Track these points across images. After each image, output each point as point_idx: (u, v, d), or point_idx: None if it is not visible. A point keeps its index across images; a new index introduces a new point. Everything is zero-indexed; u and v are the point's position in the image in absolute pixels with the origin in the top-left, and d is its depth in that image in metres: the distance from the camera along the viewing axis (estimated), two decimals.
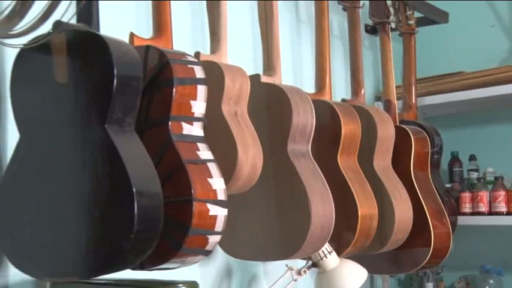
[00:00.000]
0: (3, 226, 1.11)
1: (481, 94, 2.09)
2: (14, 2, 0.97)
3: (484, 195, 2.11)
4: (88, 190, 1.04)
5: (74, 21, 1.07)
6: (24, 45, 1.05)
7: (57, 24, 1.03)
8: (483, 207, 2.10)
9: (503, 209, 2.07)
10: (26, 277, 1.13)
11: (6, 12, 0.98)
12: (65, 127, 1.07)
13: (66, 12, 0.98)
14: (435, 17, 2.26)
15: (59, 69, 1.07)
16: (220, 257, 1.62)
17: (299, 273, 1.55)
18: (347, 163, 1.61)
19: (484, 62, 2.26)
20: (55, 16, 0.99)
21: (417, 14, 2.18)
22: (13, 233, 1.10)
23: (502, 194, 2.08)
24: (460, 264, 2.24)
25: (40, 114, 1.10)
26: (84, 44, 1.06)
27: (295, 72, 1.97)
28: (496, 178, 2.14)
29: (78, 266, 1.05)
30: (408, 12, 2.13)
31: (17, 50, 1.09)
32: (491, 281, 2.21)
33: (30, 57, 1.09)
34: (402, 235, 1.72)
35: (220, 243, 1.29)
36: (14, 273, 1.14)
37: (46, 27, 1.01)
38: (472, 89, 2.11)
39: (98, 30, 1.11)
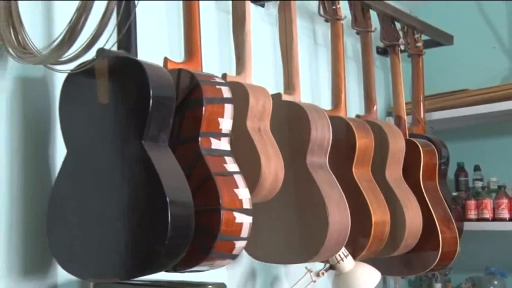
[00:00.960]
0: (53, 232, 1.12)
1: (484, 110, 2.07)
2: (63, 33, 0.98)
3: (488, 202, 2.08)
4: (127, 200, 1.04)
5: (115, 48, 1.08)
6: (72, 70, 1.07)
7: (100, 51, 1.05)
8: (487, 214, 2.08)
9: (506, 216, 2.05)
10: (72, 277, 1.14)
11: (57, 42, 1.00)
12: (106, 143, 1.08)
13: (108, 41, 1.00)
14: (441, 40, 2.24)
15: (102, 91, 1.08)
16: (245, 260, 1.61)
17: (317, 275, 1.54)
18: (361, 174, 1.60)
19: (487, 80, 2.24)
20: (98, 44, 1.01)
21: (424, 37, 2.17)
22: (61, 238, 1.11)
23: (505, 202, 2.06)
24: (466, 266, 2.20)
25: (84, 131, 1.11)
26: (124, 69, 1.07)
27: (313, 90, 1.96)
28: (499, 187, 2.11)
29: (119, 268, 1.05)
30: (416, 36, 2.12)
31: (65, 75, 1.11)
32: (496, 282, 2.18)
33: (77, 81, 1.10)
34: (413, 240, 1.70)
35: (246, 248, 1.28)
36: (62, 274, 1.14)
37: (90, 54, 1.03)
38: (476, 105, 2.10)
39: (136, 55, 1.12)
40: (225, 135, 1.18)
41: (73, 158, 1.11)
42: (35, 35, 1.13)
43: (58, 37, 1.00)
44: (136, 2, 1.08)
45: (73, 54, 1.00)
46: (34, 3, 1.18)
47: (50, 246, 1.12)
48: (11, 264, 1.12)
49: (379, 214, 1.57)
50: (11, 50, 1.09)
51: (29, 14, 1.14)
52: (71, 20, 0.98)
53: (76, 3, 0.98)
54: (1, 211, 1.12)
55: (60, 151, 1.17)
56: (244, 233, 1.13)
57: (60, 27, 1.10)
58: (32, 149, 1.17)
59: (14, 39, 1.08)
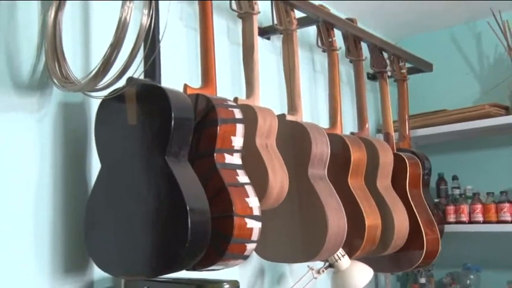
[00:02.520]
0: (89, 236, 1.10)
1: (460, 127, 2.07)
2: (99, 65, 0.99)
3: (465, 207, 2.08)
4: (152, 208, 1.03)
5: (142, 77, 1.08)
6: (105, 96, 1.07)
7: (130, 79, 1.05)
8: (464, 218, 2.07)
9: (480, 219, 2.04)
10: (106, 275, 1.13)
11: (93, 73, 1.00)
12: (135, 158, 1.07)
13: (136, 71, 1.00)
14: (422, 67, 2.24)
15: (130, 113, 1.07)
16: (255, 260, 1.59)
17: (318, 272, 1.51)
18: (356, 183, 1.58)
19: (462, 101, 2.24)
20: (128, 73, 1.00)
21: (408, 65, 2.16)
22: (96, 240, 1.10)
23: (479, 207, 2.05)
24: (446, 263, 2.17)
25: (116, 148, 1.11)
26: (150, 94, 1.07)
27: (313, 111, 1.95)
28: (474, 194, 2.10)
29: (145, 267, 1.04)
30: (401, 63, 2.12)
31: (100, 100, 1.11)
32: (472, 276, 2.16)
33: (109, 105, 1.10)
34: (401, 241, 1.67)
35: (256, 249, 1.26)
36: (97, 272, 1.14)
37: (121, 82, 1.03)
38: (453, 123, 2.09)
39: (160, 83, 1.12)
40: (237, 151, 1.16)
41: (106, 171, 1.10)
42: (75, 67, 1.14)
43: (94, 69, 1.00)
44: (160, 37, 1.07)
45: (106, 83, 1.01)
46: (75, 41, 1.19)
47: (86, 247, 1.11)
48: (55, 263, 1.11)
49: (372, 219, 1.55)
50: (55, 80, 1.10)
51: (70, 50, 1.15)
52: (105, 54, 0.99)
53: (109, 41, 0.98)
54: (46, 218, 1.11)
55: (95, 165, 1.16)
56: (255, 236, 1.11)
57: (95, 60, 1.11)
58: (72, 163, 1.16)
59: (58, 71, 1.09)
